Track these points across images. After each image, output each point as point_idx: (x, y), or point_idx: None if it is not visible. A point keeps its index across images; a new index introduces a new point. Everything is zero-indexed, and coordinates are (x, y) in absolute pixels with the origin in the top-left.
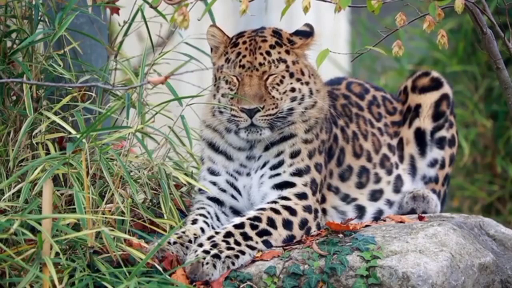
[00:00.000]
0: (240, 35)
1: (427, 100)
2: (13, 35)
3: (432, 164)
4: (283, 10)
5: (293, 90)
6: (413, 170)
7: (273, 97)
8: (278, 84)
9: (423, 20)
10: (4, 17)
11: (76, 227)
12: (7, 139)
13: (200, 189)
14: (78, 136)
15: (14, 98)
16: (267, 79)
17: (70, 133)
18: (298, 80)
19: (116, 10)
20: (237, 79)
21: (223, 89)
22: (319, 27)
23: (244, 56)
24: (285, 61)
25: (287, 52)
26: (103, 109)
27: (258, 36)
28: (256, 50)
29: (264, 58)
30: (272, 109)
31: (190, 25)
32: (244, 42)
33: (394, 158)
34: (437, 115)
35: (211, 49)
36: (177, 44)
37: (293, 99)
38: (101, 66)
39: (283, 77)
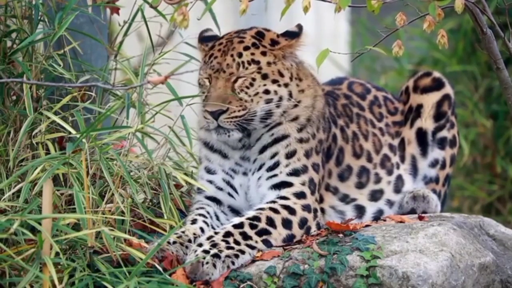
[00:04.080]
0: (221, 37)
1: (429, 100)
2: (13, 35)
3: (433, 164)
4: (283, 10)
5: (267, 92)
6: (414, 170)
7: (241, 99)
8: (247, 87)
9: (423, 20)
10: (4, 17)
11: (76, 227)
12: (7, 139)
13: (198, 189)
14: (78, 136)
15: (14, 98)
16: (235, 81)
17: (70, 133)
18: (275, 81)
19: (116, 10)
20: (209, 81)
21: (200, 92)
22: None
23: (215, 58)
24: (257, 63)
25: (263, 53)
26: (103, 109)
27: (238, 37)
28: (228, 52)
29: (233, 60)
30: (239, 111)
31: (190, 25)
32: (220, 44)
33: (395, 158)
34: (438, 115)
35: None
36: (177, 44)
37: (268, 101)
38: (101, 66)
39: (254, 79)
